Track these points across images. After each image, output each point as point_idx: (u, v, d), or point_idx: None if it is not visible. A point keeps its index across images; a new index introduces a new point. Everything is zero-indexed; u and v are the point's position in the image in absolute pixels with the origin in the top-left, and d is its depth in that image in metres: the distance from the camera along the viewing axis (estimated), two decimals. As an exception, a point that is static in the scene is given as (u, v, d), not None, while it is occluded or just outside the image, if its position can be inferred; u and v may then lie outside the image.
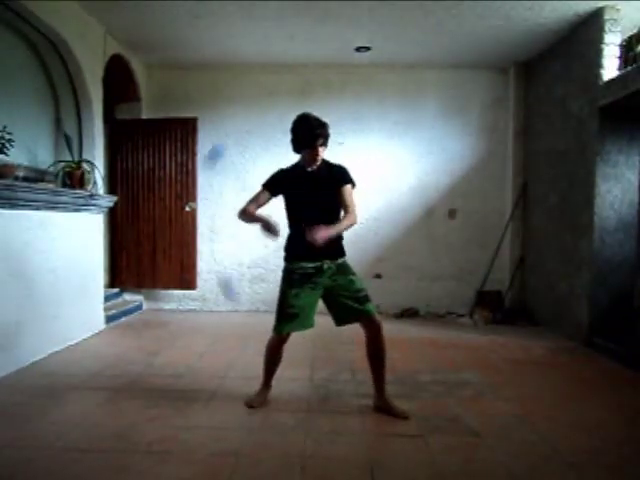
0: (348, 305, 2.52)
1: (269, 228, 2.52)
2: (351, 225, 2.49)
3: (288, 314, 2.54)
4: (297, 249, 2.55)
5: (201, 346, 3.88)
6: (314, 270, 2.51)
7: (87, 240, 4.18)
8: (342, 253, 2.60)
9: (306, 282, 2.52)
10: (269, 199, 2.61)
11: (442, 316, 5.28)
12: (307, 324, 2.58)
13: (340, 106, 5.32)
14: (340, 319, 2.59)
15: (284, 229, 2.64)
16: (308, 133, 2.44)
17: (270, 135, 5.42)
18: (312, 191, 2.52)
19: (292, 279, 2.55)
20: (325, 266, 2.51)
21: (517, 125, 5.27)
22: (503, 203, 5.42)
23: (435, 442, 2.24)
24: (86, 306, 4.13)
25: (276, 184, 2.60)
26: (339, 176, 2.55)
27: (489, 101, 5.40)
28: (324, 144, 2.49)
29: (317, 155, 2.48)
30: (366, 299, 2.54)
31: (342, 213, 2.53)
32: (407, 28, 4.31)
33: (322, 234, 2.30)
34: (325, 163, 2.58)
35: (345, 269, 2.57)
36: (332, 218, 2.50)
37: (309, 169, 2.54)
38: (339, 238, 2.56)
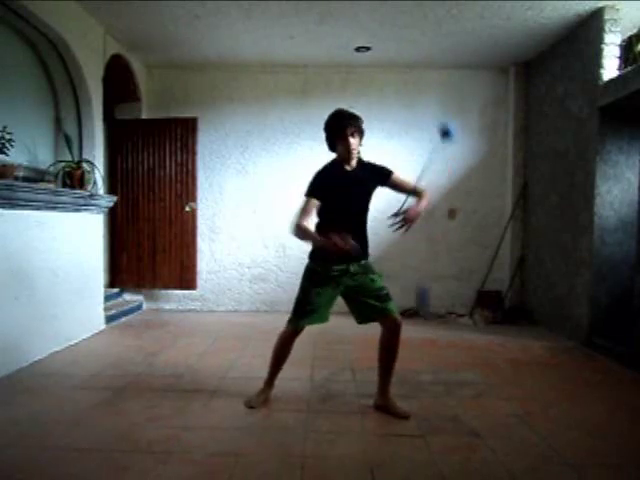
0: (370, 304, 2.52)
1: (338, 245, 2.23)
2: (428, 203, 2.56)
3: (306, 309, 2.54)
4: (327, 252, 2.38)
5: (201, 346, 3.88)
6: (339, 273, 2.49)
7: (87, 240, 4.17)
8: (367, 254, 2.58)
9: (330, 282, 2.50)
10: (318, 206, 2.45)
11: (442, 316, 5.28)
12: (323, 319, 2.59)
13: (340, 106, 5.26)
14: (362, 317, 2.59)
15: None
16: (338, 122, 2.44)
17: (270, 135, 5.42)
18: (350, 191, 2.47)
19: (317, 278, 2.51)
20: (352, 269, 2.49)
21: (517, 125, 5.27)
22: (503, 203, 5.42)
23: (435, 442, 2.24)
24: (86, 306, 4.13)
25: (322, 189, 2.43)
26: (380, 170, 2.54)
27: (489, 101, 5.41)
28: (356, 134, 2.45)
29: (349, 145, 2.42)
30: (387, 298, 2.54)
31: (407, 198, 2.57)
32: (407, 28, 4.31)
33: (416, 211, 2.42)
34: (364, 163, 2.56)
35: (368, 269, 2.56)
36: (364, 219, 2.52)
37: (348, 168, 2.51)
38: (367, 239, 2.56)
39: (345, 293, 2.57)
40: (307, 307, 2.54)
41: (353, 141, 2.44)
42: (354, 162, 2.52)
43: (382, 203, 5.36)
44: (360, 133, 2.49)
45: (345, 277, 2.50)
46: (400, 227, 2.42)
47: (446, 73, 5.38)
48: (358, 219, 2.51)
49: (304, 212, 2.40)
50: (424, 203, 2.51)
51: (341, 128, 2.43)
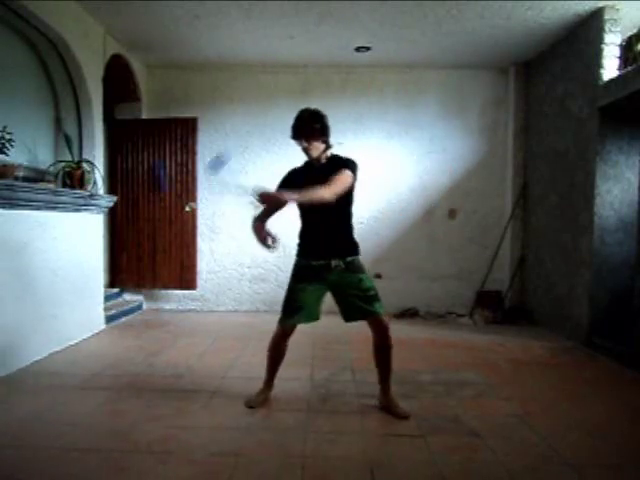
0: (356, 304, 2.52)
1: (265, 241, 2.53)
2: (317, 197, 2.28)
3: (293, 307, 2.57)
4: (305, 246, 2.59)
5: (201, 346, 3.88)
6: (321, 267, 2.50)
7: (87, 240, 4.17)
8: (353, 252, 2.56)
9: (313, 278, 2.52)
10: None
11: (442, 316, 5.28)
12: (312, 317, 2.59)
13: (340, 106, 5.32)
14: (347, 316, 2.59)
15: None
16: (292, 126, 2.49)
17: (270, 135, 5.42)
18: (308, 184, 2.44)
19: (300, 274, 2.58)
20: (333, 264, 2.50)
21: (517, 125, 5.26)
22: (503, 203, 5.42)
23: (435, 442, 2.24)
24: (86, 306, 4.13)
25: (284, 185, 2.55)
26: (340, 165, 2.48)
27: (489, 101, 5.41)
28: (307, 139, 2.45)
29: (304, 148, 2.48)
30: (374, 299, 2.53)
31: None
32: (407, 28, 4.31)
33: (278, 194, 2.32)
34: (334, 158, 2.56)
35: (355, 268, 2.55)
36: (337, 216, 2.51)
37: (317, 165, 2.54)
38: (349, 236, 2.57)
39: (332, 290, 2.57)
40: (293, 304, 2.57)
41: (305, 146, 2.48)
42: (322, 160, 2.53)
43: (382, 203, 5.43)
44: (313, 133, 2.45)
45: (328, 273, 2.50)
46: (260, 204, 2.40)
47: (446, 73, 5.37)
48: (329, 216, 2.47)
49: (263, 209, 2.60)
50: (295, 195, 2.27)
51: (292, 131, 2.49)
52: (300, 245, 2.63)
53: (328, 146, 2.54)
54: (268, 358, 2.71)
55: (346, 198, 2.48)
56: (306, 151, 2.50)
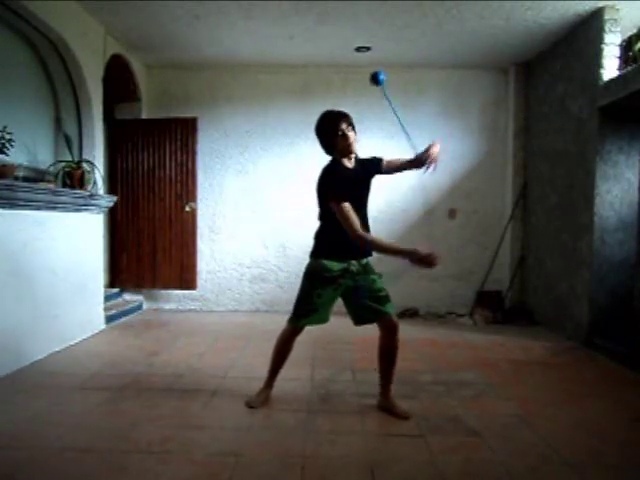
0: (367, 305, 2.51)
1: (422, 259, 2.20)
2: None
3: (307, 309, 2.53)
4: (330, 247, 2.47)
5: (201, 346, 3.88)
6: (341, 272, 2.47)
7: (87, 240, 4.17)
8: (367, 253, 2.53)
9: (331, 283, 2.47)
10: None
11: (442, 316, 5.27)
12: (323, 319, 2.57)
13: (340, 106, 5.19)
14: (359, 318, 2.57)
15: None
16: (332, 121, 2.45)
17: (270, 135, 5.42)
18: (357, 189, 2.48)
19: (318, 279, 2.48)
20: (352, 268, 2.48)
21: (517, 125, 5.26)
22: (503, 203, 5.43)
23: (435, 442, 2.24)
24: (86, 306, 4.13)
25: (348, 190, 2.38)
26: (371, 161, 2.56)
27: (489, 101, 5.41)
28: (351, 127, 2.48)
29: (348, 140, 2.43)
30: (386, 299, 2.53)
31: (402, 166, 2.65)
32: (407, 28, 4.31)
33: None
34: (358, 159, 2.56)
35: (368, 269, 2.55)
36: (367, 215, 2.51)
37: (349, 166, 2.51)
38: None
39: (344, 294, 2.55)
40: (307, 307, 2.53)
41: (352, 135, 2.47)
42: (353, 159, 2.53)
43: (382, 203, 5.43)
44: (354, 127, 2.52)
45: (346, 278, 2.48)
46: (428, 167, 2.46)
47: (446, 73, 5.38)
48: (364, 216, 2.49)
49: (353, 220, 2.31)
50: (435, 145, 2.49)
51: (336, 125, 2.44)
52: (321, 246, 2.52)
53: None
54: (273, 357, 2.68)
55: (366, 198, 2.53)
56: (352, 144, 2.46)
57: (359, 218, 2.36)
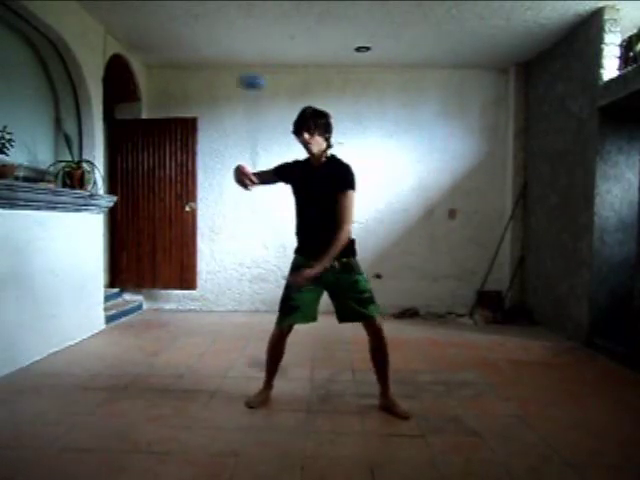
0: (349, 305, 2.52)
1: (241, 178, 2.54)
2: (342, 244, 2.40)
3: (289, 307, 2.57)
4: (302, 243, 2.61)
5: (201, 346, 3.88)
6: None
7: (87, 240, 4.17)
8: (348, 253, 2.52)
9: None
10: (272, 179, 2.68)
11: (442, 316, 5.27)
12: (308, 318, 2.58)
13: (340, 106, 5.31)
14: (341, 317, 2.59)
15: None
16: (295, 121, 2.49)
17: (270, 135, 5.42)
18: (311, 187, 2.52)
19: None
20: (334, 264, 2.48)
21: (517, 125, 5.26)
22: (503, 203, 5.42)
23: (435, 442, 2.24)
24: (86, 306, 4.13)
25: (282, 168, 2.65)
26: (339, 178, 2.45)
27: (489, 101, 5.41)
28: (310, 132, 2.43)
29: (305, 143, 2.47)
30: (369, 301, 2.52)
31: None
32: (407, 28, 4.31)
33: (305, 275, 2.38)
34: (332, 160, 2.54)
35: (351, 268, 2.53)
36: (330, 218, 2.43)
37: (316, 164, 2.53)
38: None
39: (329, 290, 2.57)
40: (289, 303, 2.56)
41: (308, 137, 2.44)
42: (322, 159, 2.53)
43: (382, 203, 5.43)
44: (315, 127, 2.44)
45: (325, 274, 2.45)
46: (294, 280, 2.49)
47: (446, 73, 5.38)
48: (324, 216, 2.45)
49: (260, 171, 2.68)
50: (329, 256, 2.37)
51: (294, 126, 2.49)
52: (298, 242, 2.64)
53: (329, 145, 2.53)
54: (267, 359, 2.70)
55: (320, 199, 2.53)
56: (306, 145, 2.47)
57: (309, 217, 2.52)
